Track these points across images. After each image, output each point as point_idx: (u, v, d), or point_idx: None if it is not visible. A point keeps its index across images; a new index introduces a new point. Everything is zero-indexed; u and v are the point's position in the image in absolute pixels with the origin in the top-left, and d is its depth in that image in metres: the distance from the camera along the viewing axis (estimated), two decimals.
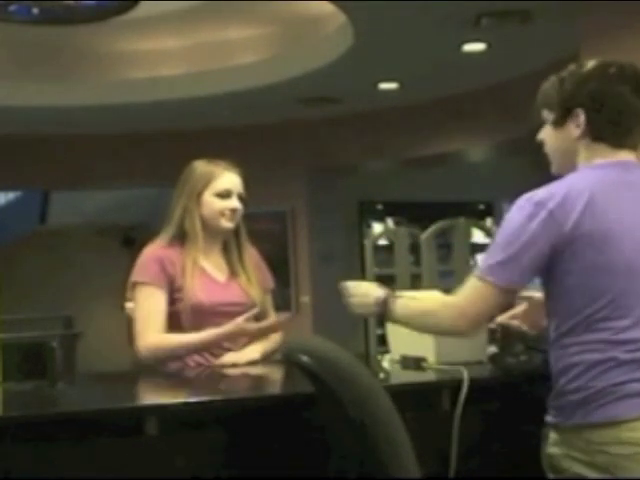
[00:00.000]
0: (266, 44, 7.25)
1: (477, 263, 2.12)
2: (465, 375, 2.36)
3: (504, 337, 2.72)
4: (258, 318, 3.06)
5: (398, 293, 2.46)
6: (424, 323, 2.37)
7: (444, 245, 7.78)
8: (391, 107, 8.06)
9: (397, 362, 2.79)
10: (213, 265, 3.13)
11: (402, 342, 2.82)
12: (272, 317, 3.13)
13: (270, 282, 3.25)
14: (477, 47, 6.40)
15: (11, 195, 11.97)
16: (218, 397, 2.48)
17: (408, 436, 2.01)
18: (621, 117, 2.23)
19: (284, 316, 3.12)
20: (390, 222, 9.78)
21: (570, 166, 2.27)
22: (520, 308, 2.56)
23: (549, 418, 2.21)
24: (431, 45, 6.32)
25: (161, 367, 3.02)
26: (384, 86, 7.50)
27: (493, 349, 2.76)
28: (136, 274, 3.06)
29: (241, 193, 3.15)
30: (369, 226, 9.76)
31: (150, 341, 2.99)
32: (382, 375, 2.83)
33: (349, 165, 8.89)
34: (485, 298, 2.19)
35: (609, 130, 2.23)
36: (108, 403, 2.41)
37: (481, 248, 7.03)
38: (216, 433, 2.24)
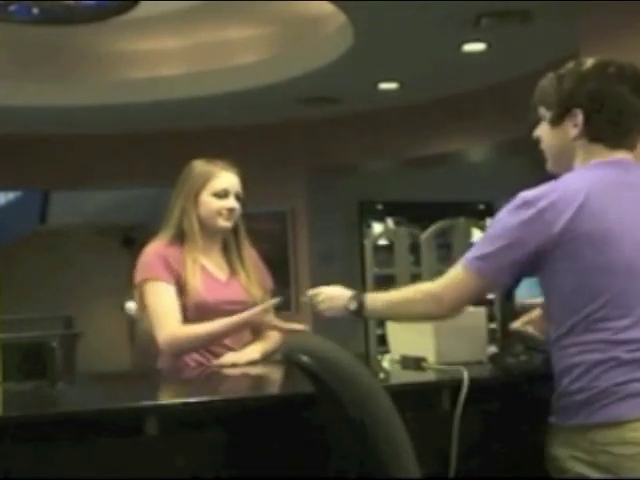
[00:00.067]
0: (266, 44, 7.25)
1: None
2: (465, 375, 2.36)
3: (504, 337, 2.73)
4: (250, 324, 3.08)
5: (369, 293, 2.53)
6: (400, 311, 2.43)
7: (444, 245, 7.78)
8: (391, 107, 8.06)
9: (397, 362, 2.79)
10: (213, 264, 3.14)
11: (402, 342, 2.82)
12: (271, 318, 3.14)
13: (269, 283, 3.26)
14: (477, 47, 6.40)
15: (11, 195, 11.98)
16: (218, 397, 2.48)
17: (408, 436, 2.01)
18: (621, 117, 2.23)
19: (284, 316, 3.11)
20: (390, 222, 9.77)
21: (566, 164, 2.27)
22: (534, 314, 2.56)
23: (553, 419, 2.21)
24: (431, 45, 6.31)
25: (176, 361, 3.02)
26: (384, 86, 7.50)
27: (493, 349, 2.76)
28: (143, 271, 3.06)
29: (239, 193, 3.15)
30: (369, 226, 9.76)
31: (171, 332, 2.98)
32: (382, 375, 2.82)
33: (349, 165, 8.89)
34: (463, 286, 2.25)
35: (609, 130, 2.23)
36: (108, 403, 2.41)
37: None
38: (216, 433, 2.24)
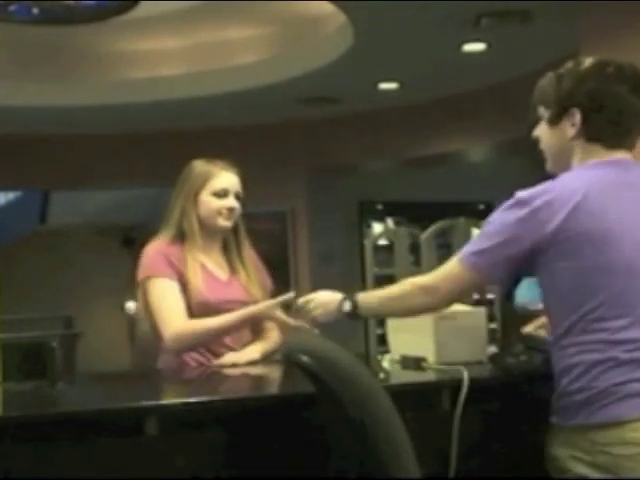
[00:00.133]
0: (266, 44, 7.25)
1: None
2: (465, 375, 2.36)
3: (504, 337, 2.73)
4: (257, 318, 3.08)
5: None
6: (395, 306, 2.44)
7: (444, 245, 7.77)
8: (391, 107, 8.06)
9: (397, 362, 2.79)
10: (214, 263, 3.14)
11: (402, 342, 2.82)
12: (279, 313, 3.13)
13: (268, 283, 3.26)
14: (477, 47, 6.40)
15: (11, 195, 11.97)
16: (218, 397, 2.48)
17: (408, 436, 2.01)
18: (621, 117, 2.23)
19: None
20: (390, 222, 9.77)
21: (565, 164, 2.27)
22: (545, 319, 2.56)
23: (554, 419, 2.21)
24: (431, 45, 6.31)
25: (177, 360, 3.02)
26: (384, 86, 7.50)
27: (493, 349, 2.76)
28: (146, 269, 3.05)
29: (238, 192, 3.16)
30: (369, 226, 9.76)
31: (178, 328, 2.98)
32: (382, 375, 2.82)
33: (349, 165, 8.88)
34: (459, 279, 2.27)
35: (608, 130, 2.23)
36: (108, 403, 2.41)
37: None
38: (216, 433, 2.24)
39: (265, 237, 7.39)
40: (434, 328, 2.65)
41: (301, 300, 2.72)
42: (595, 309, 2.11)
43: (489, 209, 2.30)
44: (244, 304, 3.04)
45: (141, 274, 3.06)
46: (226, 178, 3.14)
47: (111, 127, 8.49)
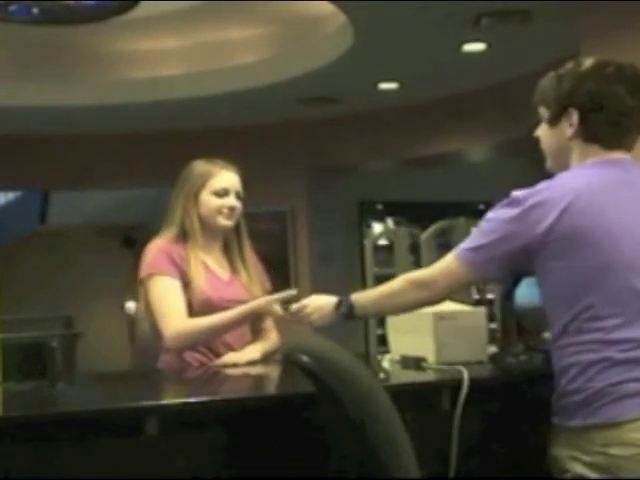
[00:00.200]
0: (266, 44, 7.25)
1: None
2: (465, 375, 2.36)
3: (504, 337, 2.73)
4: (256, 318, 3.08)
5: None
6: (391, 304, 2.47)
7: (444, 245, 7.76)
8: (391, 107, 8.06)
9: (397, 362, 2.79)
10: (215, 263, 3.14)
11: (402, 342, 2.82)
12: (278, 309, 3.13)
13: (268, 285, 3.26)
14: (477, 47, 6.40)
15: (11, 195, 11.97)
16: (218, 397, 2.48)
17: (408, 436, 2.01)
18: (620, 118, 2.23)
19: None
20: (390, 222, 9.77)
21: (564, 164, 2.28)
22: None
23: (555, 419, 2.21)
24: (431, 45, 6.31)
25: (177, 360, 3.01)
26: (384, 86, 7.49)
27: (493, 349, 2.76)
28: (148, 267, 3.05)
29: (239, 191, 3.16)
30: (369, 226, 9.76)
31: (178, 327, 2.98)
32: (382, 375, 2.82)
33: (349, 165, 8.88)
34: (455, 274, 2.30)
35: (608, 130, 2.23)
36: (108, 403, 2.41)
37: None
38: (216, 433, 2.24)
39: (265, 237, 7.39)
40: (434, 328, 2.66)
41: (296, 306, 2.73)
42: (588, 308, 2.11)
43: (489, 209, 2.30)
44: (244, 304, 3.04)
45: (143, 272, 3.05)
46: (226, 177, 3.15)
47: (111, 127, 8.49)
